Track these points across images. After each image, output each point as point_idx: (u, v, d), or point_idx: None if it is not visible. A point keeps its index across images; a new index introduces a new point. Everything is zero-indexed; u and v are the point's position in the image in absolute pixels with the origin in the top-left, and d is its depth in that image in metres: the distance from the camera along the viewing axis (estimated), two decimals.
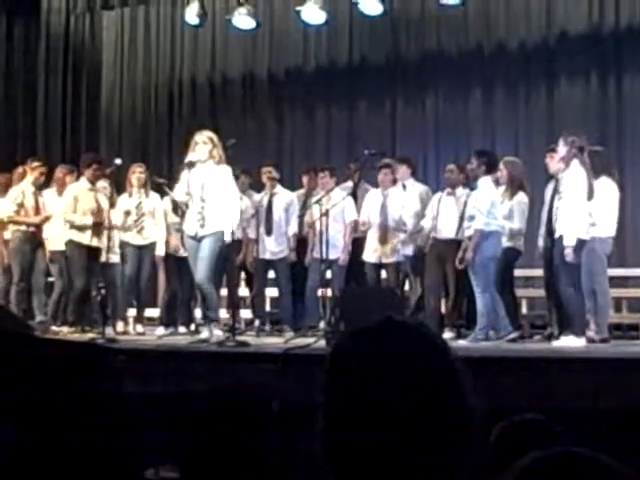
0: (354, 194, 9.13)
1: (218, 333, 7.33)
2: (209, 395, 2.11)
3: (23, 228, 9.05)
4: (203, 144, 7.35)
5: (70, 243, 8.82)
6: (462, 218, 8.25)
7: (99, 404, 1.47)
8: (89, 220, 8.75)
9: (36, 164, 9.30)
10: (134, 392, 1.53)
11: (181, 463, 1.92)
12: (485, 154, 7.93)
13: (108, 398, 1.48)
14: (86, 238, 8.79)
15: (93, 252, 8.83)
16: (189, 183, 7.33)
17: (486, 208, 7.54)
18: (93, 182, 8.95)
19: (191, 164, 7.34)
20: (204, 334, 7.42)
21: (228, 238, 7.27)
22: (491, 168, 7.77)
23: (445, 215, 8.40)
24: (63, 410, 1.45)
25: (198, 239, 7.35)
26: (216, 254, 7.28)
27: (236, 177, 8.67)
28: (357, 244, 8.94)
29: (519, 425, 2.61)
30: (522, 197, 7.91)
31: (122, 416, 1.47)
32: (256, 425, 1.62)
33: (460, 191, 8.45)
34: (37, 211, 9.11)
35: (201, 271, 7.28)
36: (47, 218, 9.10)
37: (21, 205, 9.03)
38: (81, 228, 8.76)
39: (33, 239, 9.09)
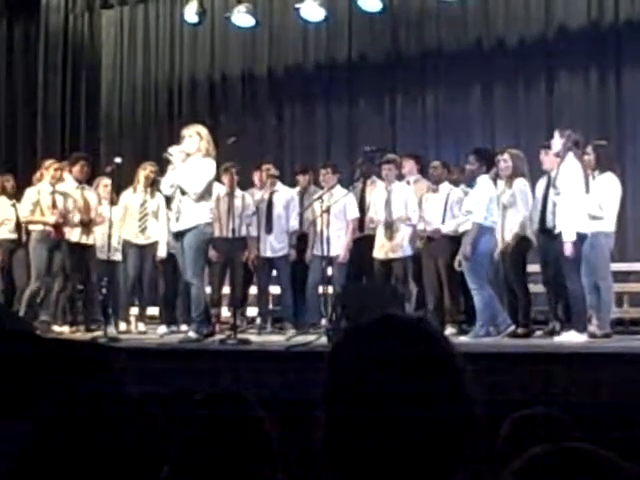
0: (363, 191, 9.11)
1: (191, 335, 7.26)
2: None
3: (39, 228, 8.91)
4: (189, 137, 7.34)
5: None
6: (446, 212, 8.29)
7: (101, 402, 1.47)
8: (77, 217, 8.79)
9: (49, 162, 9.18)
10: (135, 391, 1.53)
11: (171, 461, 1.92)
12: (484, 154, 7.91)
13: (110, 396, 1.48)
14: (75, 235, 8.82)
15: (83, 249, 8.85)
16: (173, 177, 7.35)
17: (485, 203, 7.54)
18: (80, 180, 8.96)
19: (170, 156, 7.36)
20: (191, 333, 7.35)
21: (215, 232, 7.20)
22: (490, 166, 7.77)
23: (431, 212, 8.45)
24: (65, 409, 1.45)
25: (177, 235, 7.34)
26: (198, 249, 7.23)
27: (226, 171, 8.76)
28: (367, 242, 8.87)
29: (530, 418, 2.60)
30: (522, 182, 7.85)
31: (124, 414, 1.47)
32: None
33: (444, 187, 8.53)
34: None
35: (187, 269, 7.26)
36: (62, 216, 8.89)
37: (36, 204, 8.88)
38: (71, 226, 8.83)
39: (50, 239, 8.85)
